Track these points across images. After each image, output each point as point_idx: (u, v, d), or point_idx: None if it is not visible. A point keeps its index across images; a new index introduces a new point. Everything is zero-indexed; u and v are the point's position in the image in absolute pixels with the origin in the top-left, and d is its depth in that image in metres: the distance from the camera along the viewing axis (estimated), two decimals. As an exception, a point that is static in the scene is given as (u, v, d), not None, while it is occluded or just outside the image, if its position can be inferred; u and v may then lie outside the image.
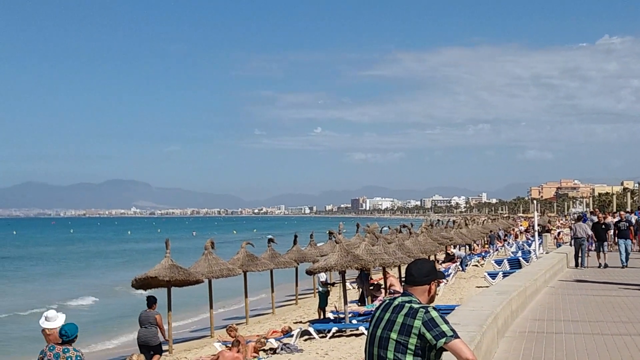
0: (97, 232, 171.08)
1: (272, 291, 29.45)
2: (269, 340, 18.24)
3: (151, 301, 17.07)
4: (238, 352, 15.92)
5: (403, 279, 26.72)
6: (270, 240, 29.02)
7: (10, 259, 76.63)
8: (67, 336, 9.09)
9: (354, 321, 20.61)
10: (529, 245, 42.11)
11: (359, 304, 24.88)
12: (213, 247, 23.99)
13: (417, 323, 4.60)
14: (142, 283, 21.23)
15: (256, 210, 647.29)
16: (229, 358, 15.37)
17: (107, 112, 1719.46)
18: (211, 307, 24.04)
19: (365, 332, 18.85)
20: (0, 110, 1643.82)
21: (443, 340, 4.54)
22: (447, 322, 4.62)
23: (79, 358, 9.00)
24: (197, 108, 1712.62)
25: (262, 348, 17.60)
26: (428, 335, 4.56)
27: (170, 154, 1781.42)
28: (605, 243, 26.27)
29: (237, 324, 19.18)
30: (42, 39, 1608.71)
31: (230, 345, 16.51)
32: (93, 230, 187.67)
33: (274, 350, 17.77)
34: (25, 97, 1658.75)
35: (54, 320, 13.46)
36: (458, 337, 4.58)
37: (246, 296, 26.94)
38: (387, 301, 4.89)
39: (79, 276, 54.70)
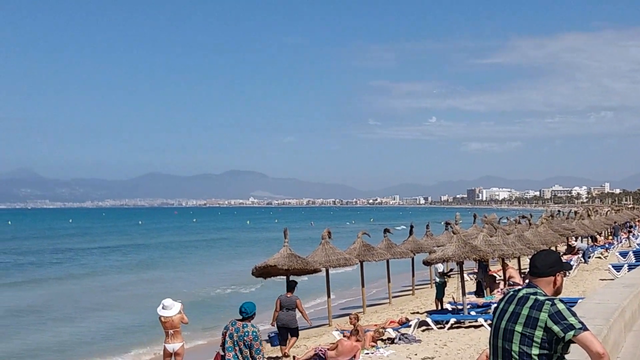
0: (219, 222, 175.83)
1: (389, 281, 29.48)
2: (387, 330, 18.30)
3: (291, 285, 17.64)
4: (357, 341, 16.06)
5: (523, 271, 26.17)
6: (386, 231, 29.03)
7: (153, 247, 79.75)
8: (246, 313, 9.98)
9: (473, 312, 20.37)
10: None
11: (477, 295, 24.56)
12: (330, 237, 24.21)
13: (543, 316, 4.49)
14: (261, 271, 21.73)
15: (371, 201, 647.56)
16: (347, 347, 15.53)
17: (226, 105, 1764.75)
18: (329, 295, 24.30)
19: (484, 323, 18.65)
20: (128, 105, 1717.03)
21: (572, 332, 4.41)
22: (574, 315, 4.49)
23: (255, 333, 9.85)
24: (312, 99, 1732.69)
25: (380, 338, 17.68)
26: (555, 328, 4.44)
27: (287, 145, 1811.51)
28: None
29: (353, 314, 19.34)
30: (173, 33, 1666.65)
31: (349, 334, 16.69)
32: (214, 220, 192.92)
33: (392, 340, 17.81)
34: (150, 92, 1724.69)
35: (170, 308, 14.04)
36: (587, 330, 4.45)
37: (363, 286, 27.09)
38: (511, 293, 4.82)
39: (218, 265, 56.28)
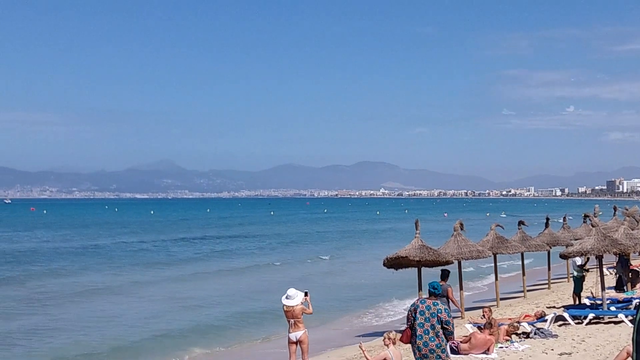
0: (349, 212, 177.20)
1: (523, 274, 28.84)
2: (522, 324, 17.95)
3: (445, 274, 17.88)
4: (490, 334, 15.86)
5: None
6: (520, 223, 28.37)
7: (288, 235, 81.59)
8: (437, 290, 10.60)
9: (613, 308, 19.66)
10: None
11: (617, 290, 23.62)
12: (462, 229, 23.90)
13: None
14: (393, 262, 21.80)
15: (504, 192, 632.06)
16: (481, 340, 15.39)
17: (356, 96, 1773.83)
18: (461, 288, 24.05)
19: (625, 320, 17.93)
20: (263, 98, 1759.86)
21: None
22: None
23: (447, 311, 10.50)
24: (444, 90, 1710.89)
25: (514, 332, 17.37)
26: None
27: (418, 136, 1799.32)
28: None
29: (487, 307, 19.09)
30: (305, 27, 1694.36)
31: (482, 327, 16.51)
32: (345, 211, 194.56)
33: (527, 335, 17.46)
34: (283, 84, 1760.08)
35: (293, 298, 14.34)
36: None
37: (496, 279, 26.65)
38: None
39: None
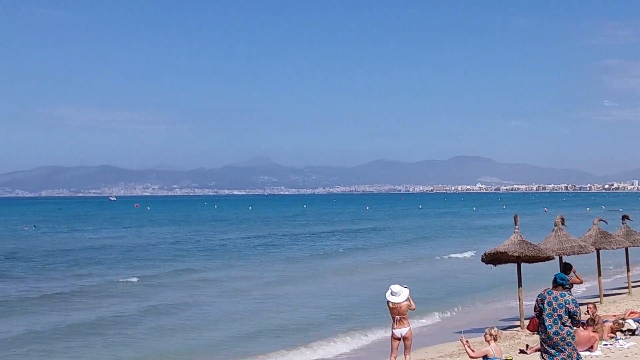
0: (445, 207, 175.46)
1: (628, 270, 27.98)
2: (627, 321, 17.46)
3: (567, 267, 17.94)
4: (594, 331, 15.53)
5: None
6: (624, 217, 27.48)
7: (388, 230, 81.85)
8: (564, 282, 10.79)
9: None
10: None
11: None
12: (563, 223, 23.35)
13: None
14: (491, 258, 21.60)
15: (606, 186, 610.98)
16: (584, 337, 15.07)
17: (451, 90, 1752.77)
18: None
19: None
20: (356, 94, 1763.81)
21: None
22: None
23: (574, 301, 10.70)
24: (540, 82, 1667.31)
25: (619, 329, 16.93)
26: None
27: (514, 129, 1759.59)
28: None
29: (591, 303, 18.67)
30: (391, 21, 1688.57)
31: (585, 324, 16.17)
32: (440, 206, 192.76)
33: (632, 332, 16.98)
34: (375, 80, 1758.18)
35: (399, 295, 14.33)
36: None
37: (599, 275, 25.95)
38: None
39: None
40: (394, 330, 14.36)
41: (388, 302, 14.37)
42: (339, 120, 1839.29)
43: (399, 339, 14.36)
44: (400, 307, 14.23)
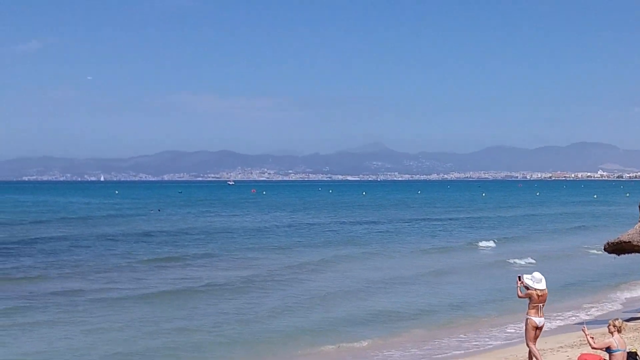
0: (564, 196, 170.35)
1: None
2: None
3: None
4: None
5: None
6: None
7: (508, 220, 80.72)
8: None
9: None
10: None
11: None
12: (691, 213, 22.49)
13: None
14: (615, 248, 21.19)
15: None
16: None
17: (568, 75, 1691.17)
18: None
19: None
20: (472, 80, 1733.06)
21: None
22: None
23: None
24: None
25: None
26: None
27: (638, 115, 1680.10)
28: None
29: None
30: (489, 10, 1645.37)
31: None
32: (559, 194, 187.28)
33: None
34: (488, 65, 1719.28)
35: (542, 282, 14.13)
36: None
37: None
38: None
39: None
40: (534, 319, 14.02)
41: (532, 289, 13.99)
42: (454, 106, 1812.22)
43: (536, 328, 14.10)
44: (546, 295, 14.08)
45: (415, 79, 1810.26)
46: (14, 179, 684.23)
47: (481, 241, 51.08)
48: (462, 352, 19.56)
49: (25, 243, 47.88)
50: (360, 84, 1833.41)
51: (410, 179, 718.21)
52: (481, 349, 19.96)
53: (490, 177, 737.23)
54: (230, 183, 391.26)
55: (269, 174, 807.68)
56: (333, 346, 20.07)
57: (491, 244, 49.73)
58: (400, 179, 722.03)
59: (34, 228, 61.92)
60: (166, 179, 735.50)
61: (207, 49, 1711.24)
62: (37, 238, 51.33)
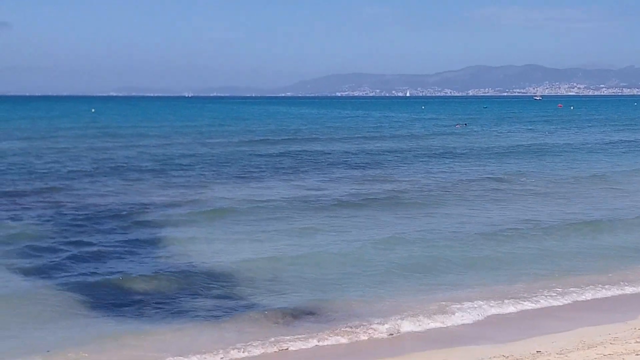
0: None
1: None
2: None
3: None
4: None
5: None
6: None
7: None
8: None
9: None
10: None
11: None
12: None
13: None
14: None
15: None
16: None
17: None
18: None
19: None
20: None
21: None
22: None
23: None
24: None
25: None
26: None
27: None
28: None
29: None
30: None
31: None
32: None
33: None
34: None
35: None
36: None
37: None
38: None
39: None
40: None
41: None
42: None
43: None
44: None
45: None
46: (328, 94, 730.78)
47: None
48: None
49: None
50: None
51: None
52: None
53: None
54: (537, 98, 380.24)
55: (579, 88, 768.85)
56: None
57: None
58: None
59: (383, 142, 63.52)
60: (471, 94, 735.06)
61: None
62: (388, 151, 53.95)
